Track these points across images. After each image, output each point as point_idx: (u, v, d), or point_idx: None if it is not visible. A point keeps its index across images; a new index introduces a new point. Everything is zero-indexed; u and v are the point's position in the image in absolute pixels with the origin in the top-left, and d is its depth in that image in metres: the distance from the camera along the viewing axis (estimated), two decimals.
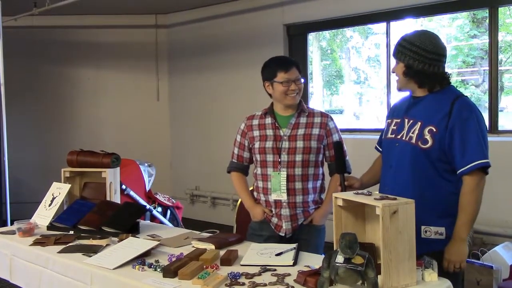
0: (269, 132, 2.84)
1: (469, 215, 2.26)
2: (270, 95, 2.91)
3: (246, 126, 2.94)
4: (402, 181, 2.35)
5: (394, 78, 2.54)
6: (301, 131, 2.80)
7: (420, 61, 2.32)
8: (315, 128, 2.81)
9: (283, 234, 2.80)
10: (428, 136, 2.29)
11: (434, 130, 2.29)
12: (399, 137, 2.41)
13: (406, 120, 2.41)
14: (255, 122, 2.91)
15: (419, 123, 2.34)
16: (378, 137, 2.77)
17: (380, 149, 2.69)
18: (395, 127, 2.47)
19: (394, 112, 2.57)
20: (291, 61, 2.85)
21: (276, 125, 2.83)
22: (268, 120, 2.87)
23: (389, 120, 2.56)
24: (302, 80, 2.84)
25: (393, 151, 2.44)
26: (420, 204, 2.24)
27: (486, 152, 2.27)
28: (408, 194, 2.19)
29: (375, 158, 2.77)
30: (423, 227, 2.30)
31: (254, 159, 2.93)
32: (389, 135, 2.50)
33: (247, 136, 2.93)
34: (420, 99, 2.41)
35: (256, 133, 2.88)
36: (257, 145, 2.85)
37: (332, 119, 2.88)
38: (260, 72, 2.89)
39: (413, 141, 2.33)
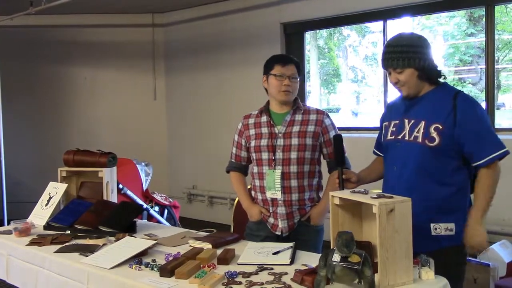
0: (265, 130, 2.84)
1: (486, 200, 2.29)
2: (267, 91, 2.91)
3: (243, 125, 2.95)
4: (408, 181, 2.35)
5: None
6: (296, 128, 2.79)
7: (425, 59, 2.34)
8: (310, 125, 2.80)
9: (279, 233, 2.79)
10: (434, 134, 2.30)
11: (441, 127, 2.29)
12: (399, 137, 2.41)
13: (406, 121, 2.41)
14: (251, 121, 2.92)
15: (423, 122, 2.34)
16: (375, 135, 2.77)
17: (379, 153, 2.69)
18: (394, 129, 2.47)
19: (390, 114, 2.56)
20: (291, 59, 2.88)
21: (271, 123, 2.83)
22: (264, 118, 2.87)
23: (386, 123, 2.55)
24: (298, 79, 2.84)
25: (395, 151, 2.43)
26: (428, 202, 2.29)
27: (500, 140, 2.30)
28: (416, 193, 2.22)
29: (372, 157, 2.77)
30: (432, 225, 2.32)
31: (251, 157, 2.93)
32: (388, 137, 2.49)
33: (244, 135, 2.93)
34: (418, 99, 2.41)
35: (252, 131, 2.88)
36: (253, 143, 2.85)
37: (328, 116, 2.88)
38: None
39: (419, 140, 2.33)
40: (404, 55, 2.33)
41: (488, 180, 2.29)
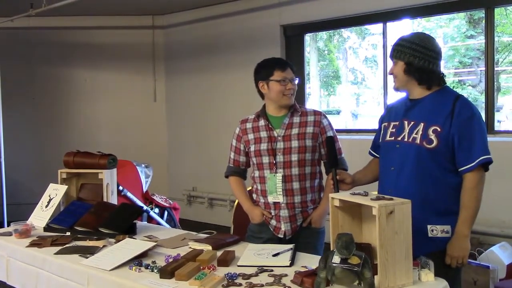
0: (263, 134, 2.84)
1: (471, 211, 2.29)
2: (262, 97, 2.91)
3: (240, 130, 2.95)
4: (406, 182, 2.36)
5: (390, 79, 2.54)
6: (295, 131, 2.80)
7: (420, 58, 2.36)
8: (309, 127, 2.81)
9: (282, 236, 2.79)
10: (433, 136, 2.31)
11: (439, 129, 2.31)
12: (399, 139, 2.42)
13: (406, 122, 2.42)
14: (249, 125, 2.91)
15: (422, 124, 2.35)
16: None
17: (375, 154, 2.70)
18: (393, 130, 2.47)
19: (390, 115, 2.57)
20: (286, 62, 2.90)
21: (270, 126, 2.83)
22: (261, 122, 2.87)
23: (386, 123, 2.56)
24: (297, 81, 2.86)
25: (393, 153, 2.44)
26: (425, 203, 2.30)
27: (488, 149, 2.31)
28: (413, 194, 2.22)
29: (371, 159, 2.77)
30: (429, 226, 2.33)
31: (251, 162, 2.93)
32: (387, 138, 2.50)
33: (242, 140, 2.93)
34: (418, 101, 2.42)
35: (250, 136, 2.88)
36: (252, 148, 2.85)
37: (325, 117, 2.89)
38: (254, 73, 2.90)
39: (418, 141, 2.34)
40: (399, 47, 2.41)
41: (473, 190, 2.28)
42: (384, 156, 2.54)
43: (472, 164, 2.27)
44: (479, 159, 2.26)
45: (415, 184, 2.34)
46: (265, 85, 2.83)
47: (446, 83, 2.45)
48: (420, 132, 2.34)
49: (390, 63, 2.52)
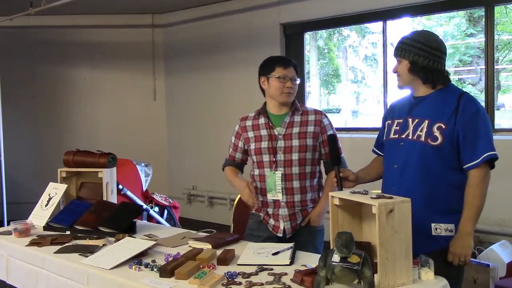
0: (264, 132, 2.84)
1: (475, 208, 2.27)
2: (263, 93, 2.91)
3: (240, 128, 2.95)
4: (409, 180, 2.35)
5: (392, 77, 2.53)
6: (296, 130, 2.80)
7: (425, 57, 2.35)
8: (310, 126, 2.81)
9: (281, 235, 2.79)
10: (437, 133, 2.30)
11: (443, 126, 2.30)
12: (403, 136, 2.41)
13: (410, 120, 2.41)
14: (249, 123, 2.91)
15: (427, 121, 2.34)
16: (375, 135, 2.76)
17: (379, 152, 2.69)
18: (397, 127, 2.47)
19: (394, 113, 2.56)
20: (290, 61, 2.89)
21: (270, 124, 2.83)
22: (262, 120, 2.87)
23: (389, 121, 2.55)
24: (298, 81, 2.85)
25: (397, 151, 2.43)
26: (429, 202, 2.29)
27: (493, 145, 2.30)
28: (417, 192, 2.22)
29: (373, 157, 2.77)
30: (433, 225, 2.31)
31: (251, 160, 2.93)
32: (391, 136, 2.49)
33: (241, 138, 2.93)
34: (422, 98, 2.41)
35: (250, 134, 2.88)
36: (252, 146, 2.85)
37: (326, 116, 2.88)
38: (258, 69, 2.90)
39: (422, 139, 2.33)
40: (403, 46, 2.41)
41: (477, 187, 2.27)
42: (388, 154, 2.54)
43: (477, 161, 2.25)
44: (484, 156, 2.25)
45: (418, 182, 2.33)
46: (266, 81, 2.84)
47: (451, 81, 2.44)
48: (425, 129, 2.33)
49: (390, 61, 2.52)
